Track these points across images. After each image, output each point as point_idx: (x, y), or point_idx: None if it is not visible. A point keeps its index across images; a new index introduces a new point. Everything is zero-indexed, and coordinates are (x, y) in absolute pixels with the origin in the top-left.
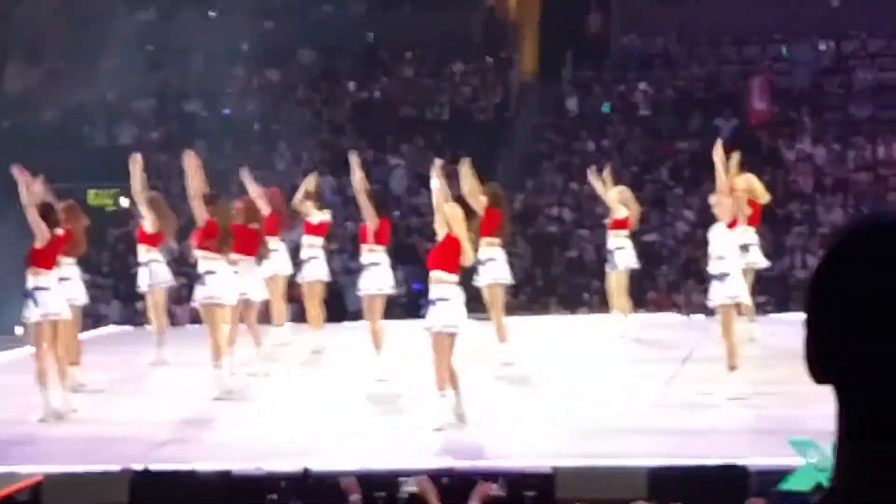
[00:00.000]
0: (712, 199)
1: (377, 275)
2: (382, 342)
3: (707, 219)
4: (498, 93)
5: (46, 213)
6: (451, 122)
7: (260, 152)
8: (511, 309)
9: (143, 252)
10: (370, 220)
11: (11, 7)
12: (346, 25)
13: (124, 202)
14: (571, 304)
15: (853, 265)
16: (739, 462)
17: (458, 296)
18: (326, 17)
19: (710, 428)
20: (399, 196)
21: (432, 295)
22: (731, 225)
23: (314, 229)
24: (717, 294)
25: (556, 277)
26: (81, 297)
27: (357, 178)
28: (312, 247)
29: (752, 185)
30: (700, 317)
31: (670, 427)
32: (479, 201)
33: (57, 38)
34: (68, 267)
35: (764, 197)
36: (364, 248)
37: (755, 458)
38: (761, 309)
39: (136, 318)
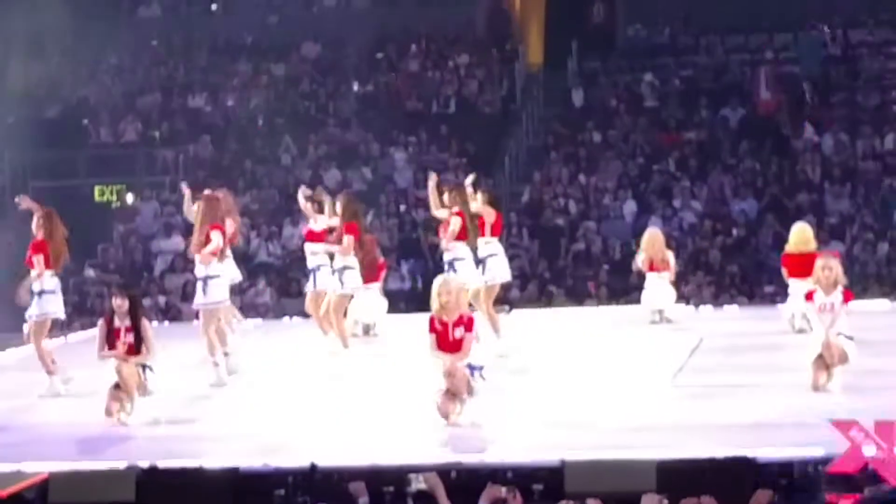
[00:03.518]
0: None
1: (497, 264)
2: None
3: (713, 209)
4: (503, 85)
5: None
6: (456, 115)
7: (265, 146)
8: (518, 302)
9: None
10: (487, 215)
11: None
12: (351, 18)
13: (129, 198)
14: (578, 296)
15: None
16: (748, 454)
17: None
18: (331, 11)
19: (718, 419)
20: (405, 189)
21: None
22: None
23: (317, 236)
24: None
25: (562, 270)
26: (60, 311)
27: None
28: (315, 254)
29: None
30: (708, 307)
31: (678, 419)
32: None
33: (60, 33)
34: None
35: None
36: (481, 240)
37: (764, 449)
38: (770, 299)
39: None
